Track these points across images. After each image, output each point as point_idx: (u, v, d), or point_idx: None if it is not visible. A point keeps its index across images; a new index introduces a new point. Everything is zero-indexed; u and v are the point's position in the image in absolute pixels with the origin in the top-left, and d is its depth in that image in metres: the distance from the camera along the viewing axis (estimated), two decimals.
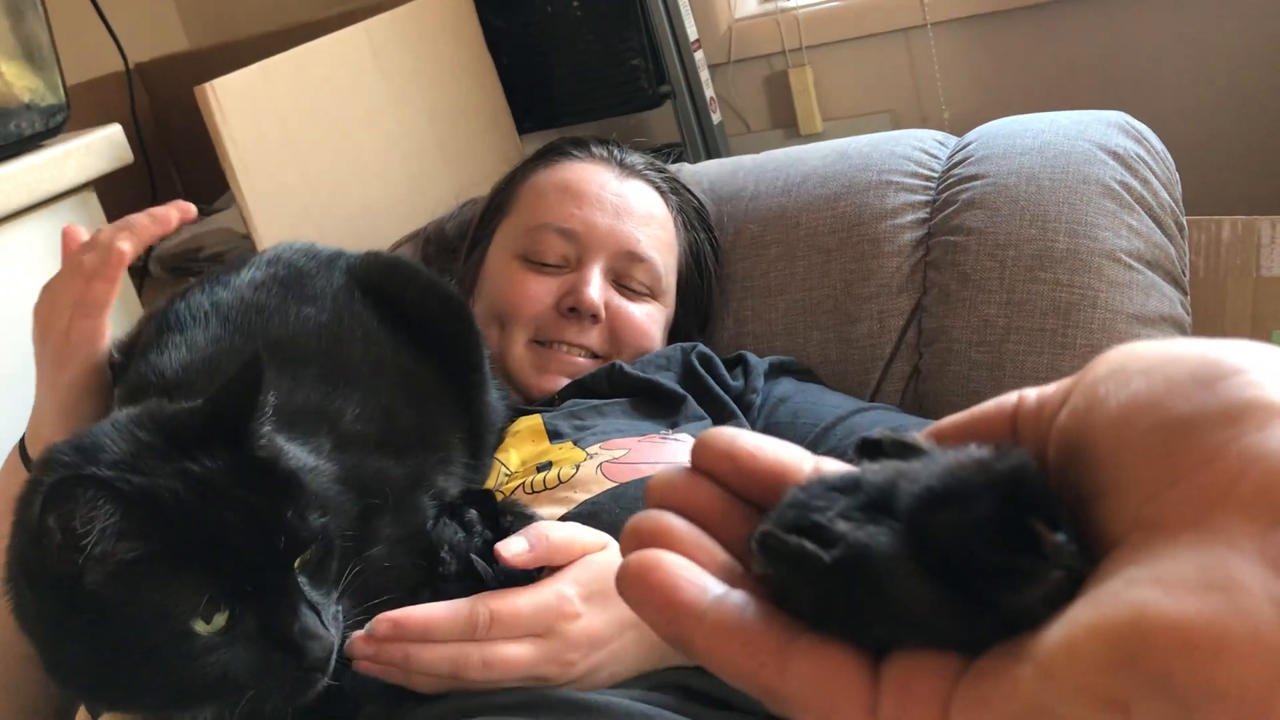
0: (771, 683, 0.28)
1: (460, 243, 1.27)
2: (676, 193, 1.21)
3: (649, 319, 1.13)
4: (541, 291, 1.09)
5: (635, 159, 1.20)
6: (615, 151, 1.20)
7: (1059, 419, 0.29)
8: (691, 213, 1.22)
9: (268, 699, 0.62)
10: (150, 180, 1.48)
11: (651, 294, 1.14)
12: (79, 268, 0.88)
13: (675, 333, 1.19)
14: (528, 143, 1.67)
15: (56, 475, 0.59)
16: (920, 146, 1.26)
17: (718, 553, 0.31)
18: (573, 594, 0.72)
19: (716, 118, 1.69)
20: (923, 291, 1.18)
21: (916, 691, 0.27)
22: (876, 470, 0.30)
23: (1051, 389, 0.30)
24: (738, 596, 0.29)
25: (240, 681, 0.61)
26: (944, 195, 1.20)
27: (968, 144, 1.24)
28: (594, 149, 1.19)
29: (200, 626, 0.60)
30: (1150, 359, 0.28)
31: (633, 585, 0.29)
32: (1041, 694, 0.25)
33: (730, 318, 1.25)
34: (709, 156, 1.65)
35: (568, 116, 1.72)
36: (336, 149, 1.42)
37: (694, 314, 1.22)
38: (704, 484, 0.33)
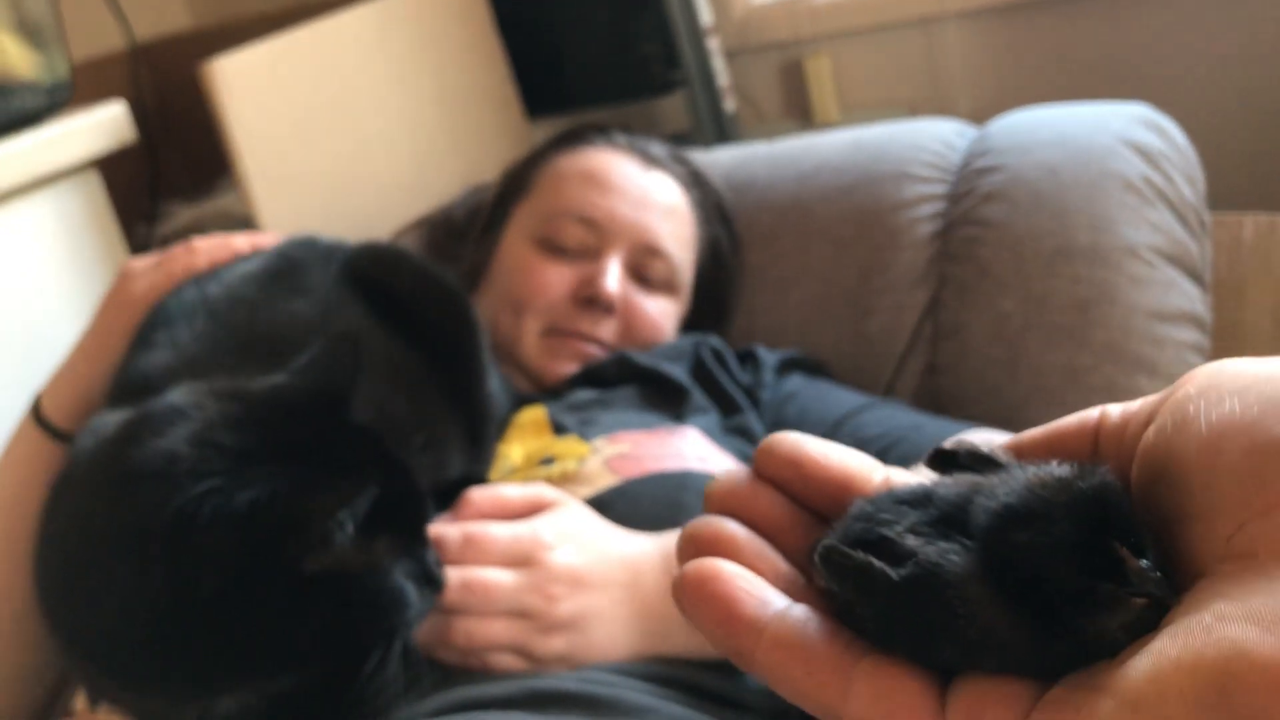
0: (833, 704, 0.27)
1: (469, 228, 1.24)
2: (699, 186, 1.19)
3: (663, 315, 1.11)
4: (558, 280, 1.07)
5: (658, 150, 1.18)
6: (639, 141, 1.17)
7: (1145, 438, 0.28)
8: (712, 207, 1.19)
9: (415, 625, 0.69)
10: (154, 161, 1.46)
11: (668, 288, 1.12)
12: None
13: (690, 328, 1.17)
14: (537, 128, 1.64)
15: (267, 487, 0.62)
16: (939, 137, 1.23)
17: (779, 563, 0.30)
18: (545, 529, 0.72)
19: (730, 107, 1.66)
20: (939, 285, 1.15)
21: None
22: (950, 484, 0.29)
23: (1136, 406, 0.29)
24: (799, 611, 0.28)
25: (413, 612, 0.66)
26: (962, 187, 1.18)
27: (987, 135, 1.22)
28: (617, 137, 1.17)
29: (400, 575, 0.65)
30: (1245, 378, 0.27)
31: (690, 595, 0.28)
32: None
33: (742, 310, 1.22)
34: (722, 144, 1.62)
35: (577, 102, 1.70)
36: (342, 131, 1.40)
37: (711, 310, 1.19)
38: (766, 491, 0.31)
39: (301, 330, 0.83)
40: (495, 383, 0.96)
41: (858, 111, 1.72)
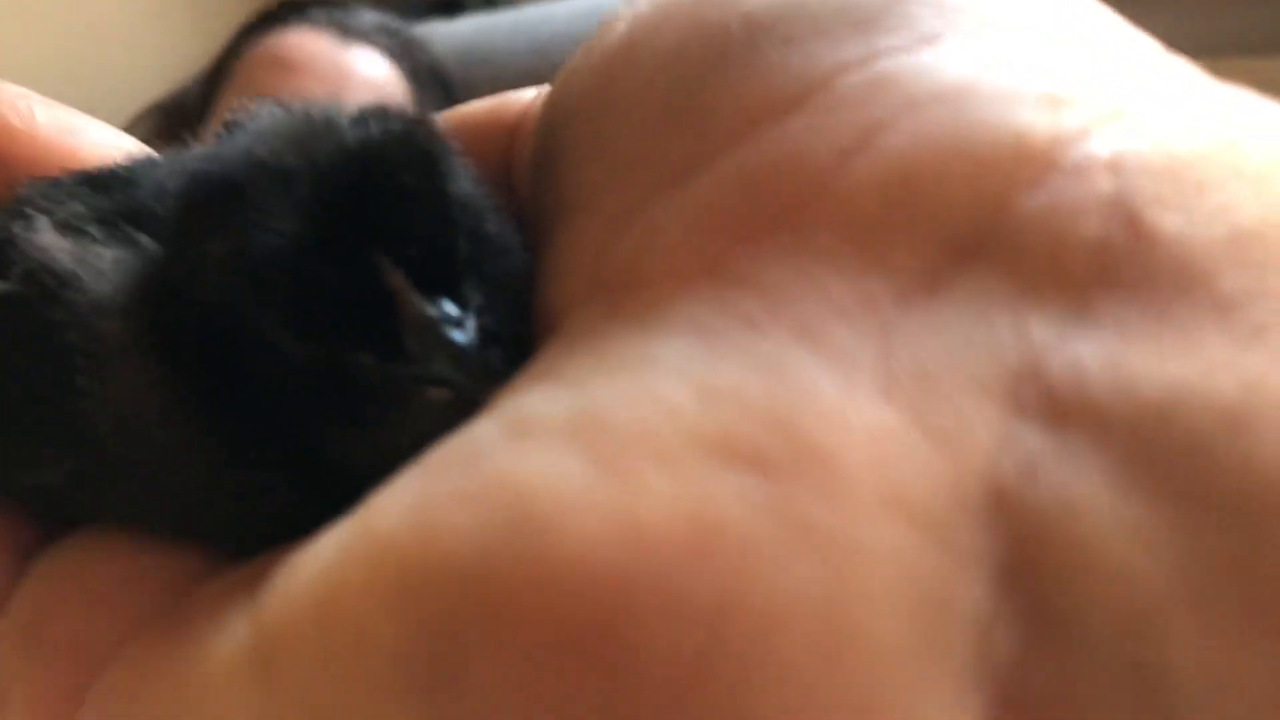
0: None
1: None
2: (410, 56, 1.15)
3: None
4: None
5: (364, 21, 1.13)
6: (339, 16, 1.13)
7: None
8: (427, 78, 1.16)
9: None
10: None
11: None
12: None
13: None
14: None
15: None
16: None
17: None
18: None
19: None
20: None
21: (49, 635, 0.13)
22: (187, 154, 0.16)
23: None
24: None
25: None
26: None
27: None
28: (313, 14, 1.12)
29: None
30: None
31: None
32: (229, 689, 0.11)
33: None
34: (492, 9, 1.57)
35: None
36: (66, 5, 1.32)
37: None
38: None
39: None
40: None
41: None
